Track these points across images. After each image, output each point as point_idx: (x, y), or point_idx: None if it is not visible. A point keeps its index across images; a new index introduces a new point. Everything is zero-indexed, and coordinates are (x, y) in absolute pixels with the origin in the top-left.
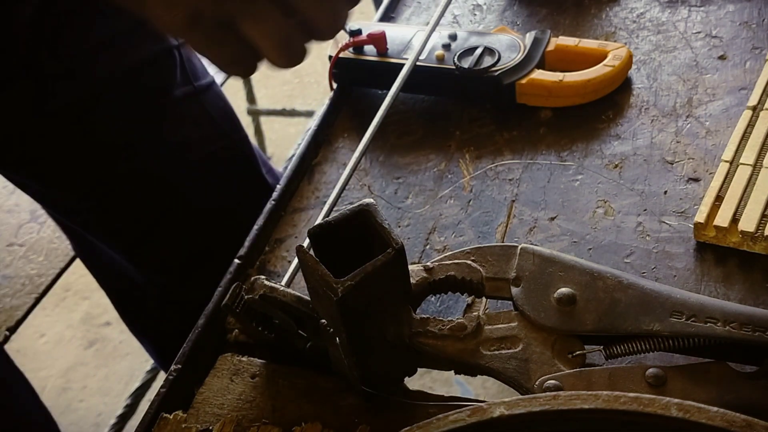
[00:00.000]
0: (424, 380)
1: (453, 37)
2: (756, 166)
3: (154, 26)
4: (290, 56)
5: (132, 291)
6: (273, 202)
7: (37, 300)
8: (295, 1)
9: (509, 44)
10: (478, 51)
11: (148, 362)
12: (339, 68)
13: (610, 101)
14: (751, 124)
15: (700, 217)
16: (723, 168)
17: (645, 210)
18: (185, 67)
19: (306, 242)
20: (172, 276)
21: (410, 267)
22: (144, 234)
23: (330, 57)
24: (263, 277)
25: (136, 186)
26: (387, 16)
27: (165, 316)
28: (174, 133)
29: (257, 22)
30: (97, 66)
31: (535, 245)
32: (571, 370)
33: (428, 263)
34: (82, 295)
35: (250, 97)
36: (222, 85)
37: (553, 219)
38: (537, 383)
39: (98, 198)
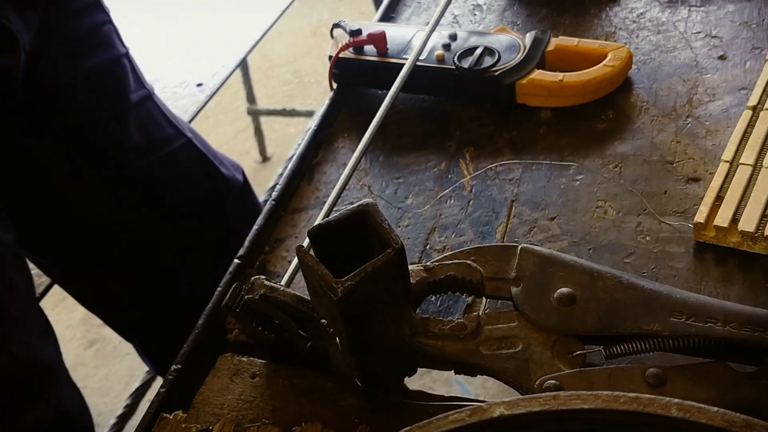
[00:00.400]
0: (424, 380)
1: (453, 37)
2: (756, 166)
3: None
4: None
5: (113, 303)
6: (273, 202)
7: (37, 300)
8: None
9: (509, 44)
10: (478, 51)
11: None
12: (339, 68)
13: (610, 101)
14: (751, 124)
15: (700, 217)
16: (723, 168)
17: (645, 210)
18: (136, 73)
19: (306, 242)
20: (148, 277)
21: (410, 267)
22: (116, 241)
23: (330, 57)
24: (263, 277)
25: (105, 193)
26: (387, 16)
27: (150, 321)
28: (139, 135)
29: None
30: (56, 71)
31: (535, 245)
32: (571, 370)
33: (428, 263)
34: None
35: (250, 97)
36: (222, 85)
37: (553, 219)
38: (537, 383)
39: (68, 210)
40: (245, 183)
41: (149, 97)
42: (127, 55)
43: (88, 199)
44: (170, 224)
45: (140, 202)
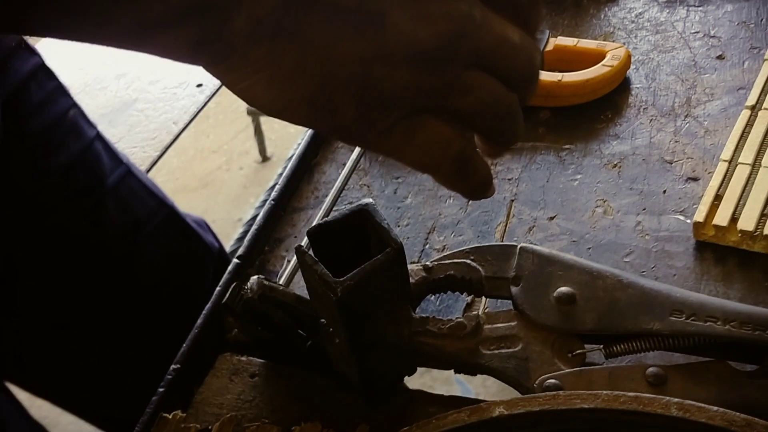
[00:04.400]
0: (424, 380)
1: None
2: (755, 166)
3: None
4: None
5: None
6: (273, 202)
7: None
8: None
9: None
10: None
11: None
12: None
13: (609, 101)
14: (749, 124)
15: (700, 216)
16: (722, 167)
17: (644, 209)
18: (111, 150)
19: (305, 242)
20: (124, 356)
21: (410, 266)
22: (97, 321)
23: None
24: (262, 276)
25: (87, 273)
26: None
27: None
28: (121, 217)
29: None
30: (26, 171)
31: (535, 244)
32: (571, 370)
33: (427, 263)
34: None
35: None
36: (222, 85)
37: (552, 218)
38: (537, 382)
39: (49, 288)
40: (221, 248)
41: (128, 172)
42: (98, 135)
43: (67, 291)
44: (149, 307)
45: (121, 288)
